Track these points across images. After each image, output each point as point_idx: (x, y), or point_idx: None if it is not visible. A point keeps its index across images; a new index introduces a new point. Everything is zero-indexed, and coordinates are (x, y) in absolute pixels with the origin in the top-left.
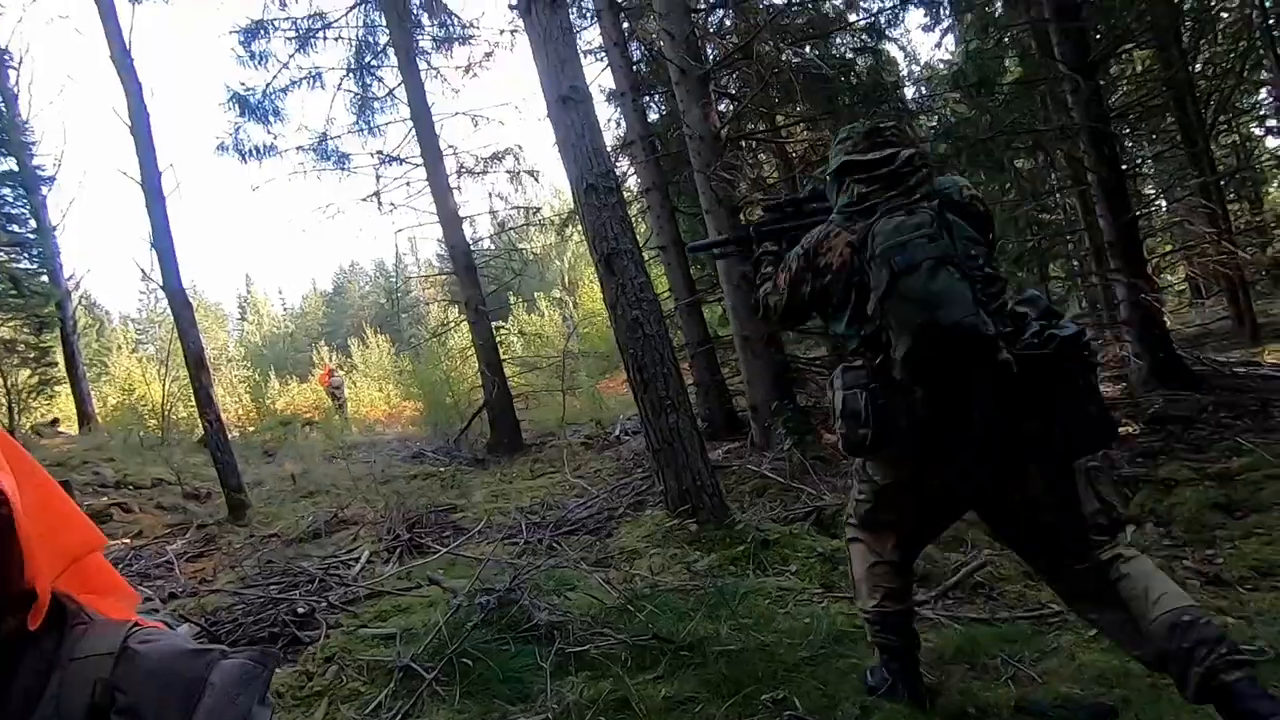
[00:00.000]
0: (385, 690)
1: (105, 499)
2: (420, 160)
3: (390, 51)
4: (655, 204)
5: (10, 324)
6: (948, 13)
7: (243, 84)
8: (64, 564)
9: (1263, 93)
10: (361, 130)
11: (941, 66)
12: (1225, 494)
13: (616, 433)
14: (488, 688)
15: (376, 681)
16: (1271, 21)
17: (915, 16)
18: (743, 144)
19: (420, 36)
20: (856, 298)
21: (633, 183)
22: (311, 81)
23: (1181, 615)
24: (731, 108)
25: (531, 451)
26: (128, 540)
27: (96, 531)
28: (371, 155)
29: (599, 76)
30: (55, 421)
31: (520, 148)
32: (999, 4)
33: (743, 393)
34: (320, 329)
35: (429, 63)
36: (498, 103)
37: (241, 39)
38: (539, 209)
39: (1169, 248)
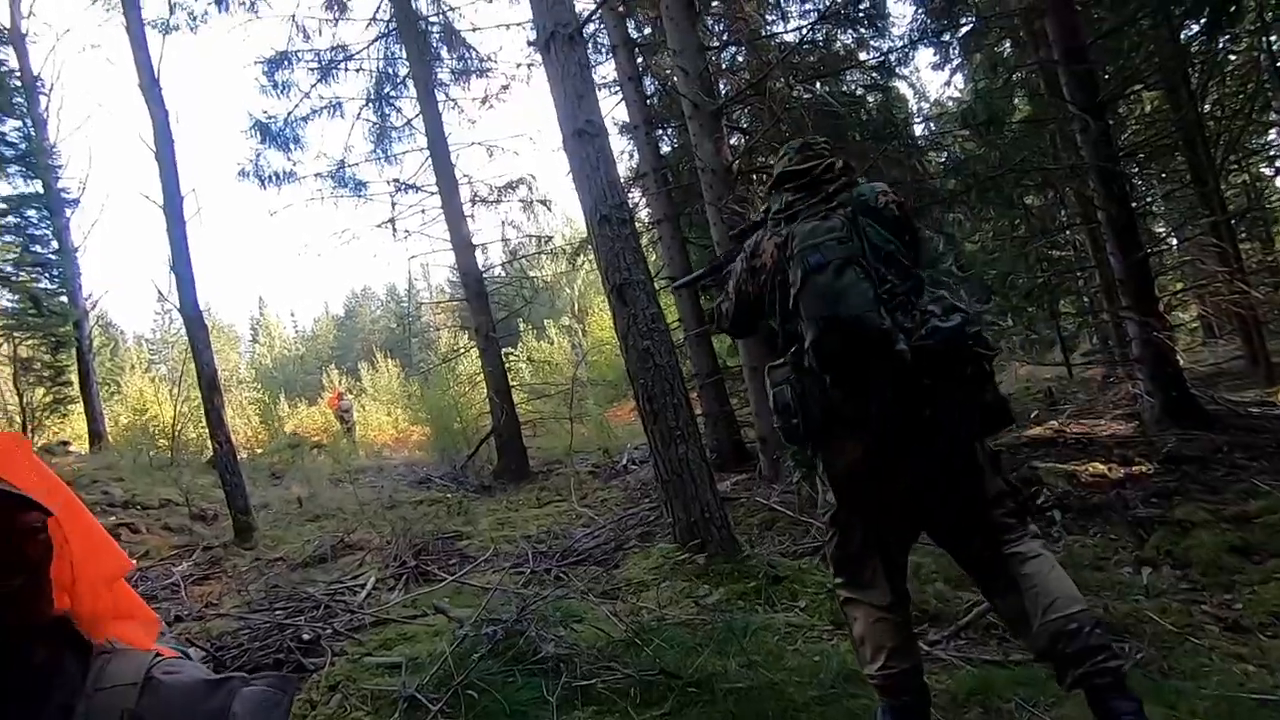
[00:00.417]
0: None
1: (113, 519)
2: (435, 188)
3: (409, 83)
4: (667, 235)
5: (28, 343)
6: (957, 52)
7: (265, 112)
8: (105, 588)
9: (1272, 133)
10: (379, 158)
11: (951, 104)
12: (1243, 537)
13: (624, 462)
14: None
15: (380, 712)
16: None
17: (925, 55)
18: (754, 177)
19: (439, 69)
20: (781, 295)
21: (645, 214)
22: (332, 110)
23: (1068, 624)
24: (743, 142)
25: (538, 479)
26: (134, 562)
27: (124, 555)
28: (388, 183)
29: (614, 110)
30: (66, 443)
31: (534, 177)
32: (1008, 44)
33: (751, 424)
34: (331, 352)
35: (447, 94)
36: (513, 134)
37: (265, 69)
38: (551, 237)
39: (1180, 286)
